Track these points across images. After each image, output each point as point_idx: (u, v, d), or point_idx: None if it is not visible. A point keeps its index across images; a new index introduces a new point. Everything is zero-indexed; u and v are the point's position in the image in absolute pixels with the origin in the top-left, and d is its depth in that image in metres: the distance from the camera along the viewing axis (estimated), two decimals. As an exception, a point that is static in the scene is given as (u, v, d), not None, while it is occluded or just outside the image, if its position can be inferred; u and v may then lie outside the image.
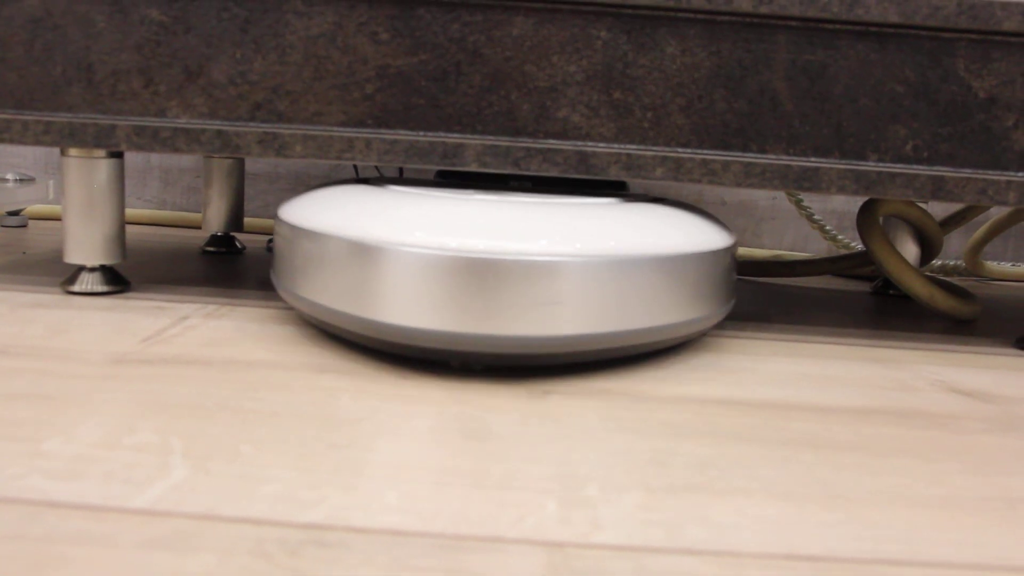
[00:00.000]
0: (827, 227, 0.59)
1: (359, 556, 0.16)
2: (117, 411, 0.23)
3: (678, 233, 0.31)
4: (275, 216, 0.34)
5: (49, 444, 0.21)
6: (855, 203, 0.67)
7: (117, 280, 0.38)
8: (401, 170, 0.56)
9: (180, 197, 0.69)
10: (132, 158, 0.68)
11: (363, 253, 0.28)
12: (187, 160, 0.68)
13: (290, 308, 0.37)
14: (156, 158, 0.68)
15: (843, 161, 0.34)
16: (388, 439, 0.23)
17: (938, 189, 0.34)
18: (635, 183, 0.59)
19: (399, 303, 0.27)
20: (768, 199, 0.67)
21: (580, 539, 0.18)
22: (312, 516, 0.18)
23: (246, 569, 0.16)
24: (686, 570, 0.17)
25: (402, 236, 0.28)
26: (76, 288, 0.37)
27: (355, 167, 0.59)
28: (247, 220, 0.64)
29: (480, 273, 0.27)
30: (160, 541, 0.17)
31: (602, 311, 0.28)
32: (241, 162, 0.52)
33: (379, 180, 0.35)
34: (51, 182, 0.59)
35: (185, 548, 0.16)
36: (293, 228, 0.31)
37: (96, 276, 0.38)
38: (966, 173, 0.34)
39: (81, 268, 0.38)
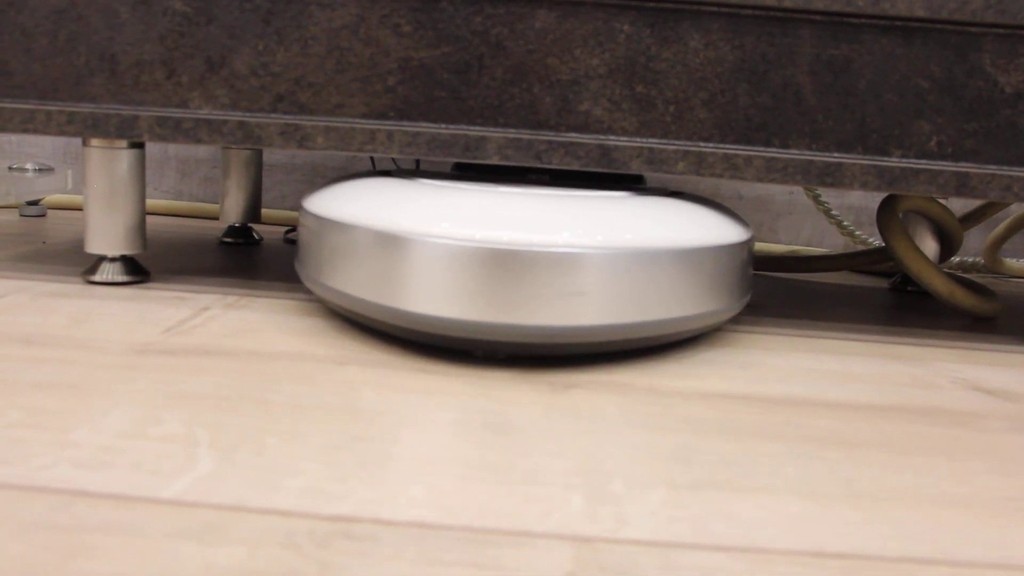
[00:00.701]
0: (845, 222, 0.59)
1: (388, 549, 0.17)
2: (142, 401, 0.24)
3: (697, 227, 0.32)
4: (300, 207, 0.34)
5: (76, 434, 0.21)
6: (873, 199, 0.66)
7: (137, 270, 0.38)
8: (417, 162, 0.56)
9: (197, 188, 0.69)
10: (150, 149, 0.68)
11: (391, 243, 0.29)
12: (204, 151, 0.68)
13: (310, 299, 0.37)
14: (173, 149, 0.69)
15: (866, 156, 0.34)
16: (412, 432, 0.23)
17: (962, 185, 0.34)
18: (652, 177, 0.59)
19: (425, 292, 0.28)
20: (785, 194, 0.67)
21: (607, 534, 0.18)
22: (340, 508, 0.18)
23: (276, 560, 0.16)
24: (714, 566, 0.17)
25: (429, 227, 0.28)
26: (97, 278, 0.38)
27: (371, 159, 0.59)
28: (264, 211, 0.65)
29: (505, 264, 0.28)
30: (190, 532, 0.17)
31: (623, 302, 0.29)
32: (259, 153, 0.52)
33: (404, 172, 0.36)
34: (70, 172, 0.60)
35: (215, 539, 0.16)
36: (320, 219, 0.32)
37: (117, 266, 0.38)
38: (991, 169, 0.34)
39: (102, 258, 0.38)
